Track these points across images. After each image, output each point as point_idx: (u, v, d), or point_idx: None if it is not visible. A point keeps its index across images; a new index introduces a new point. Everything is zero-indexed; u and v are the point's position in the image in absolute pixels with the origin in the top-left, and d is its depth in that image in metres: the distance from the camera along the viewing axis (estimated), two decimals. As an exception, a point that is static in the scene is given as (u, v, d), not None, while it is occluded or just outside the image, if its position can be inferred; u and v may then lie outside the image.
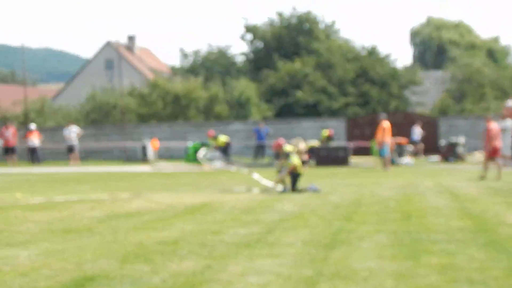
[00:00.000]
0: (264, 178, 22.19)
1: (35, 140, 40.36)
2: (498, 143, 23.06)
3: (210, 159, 35.07)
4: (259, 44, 56.13)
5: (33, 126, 42.03)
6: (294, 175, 18.87)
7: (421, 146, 39.20)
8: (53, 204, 16.17)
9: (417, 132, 39.32)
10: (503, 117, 28.62)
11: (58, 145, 42.55)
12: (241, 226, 12.08)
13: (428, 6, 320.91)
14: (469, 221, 12.31)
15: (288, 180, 19.09)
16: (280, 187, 19.25)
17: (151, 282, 7.98)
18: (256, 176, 23.46)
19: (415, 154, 37.94)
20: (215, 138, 35.92)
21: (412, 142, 38.90)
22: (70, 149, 40.23)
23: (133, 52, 76.34)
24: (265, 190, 19.22)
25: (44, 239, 10.96)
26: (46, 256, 9.50)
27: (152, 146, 39.54)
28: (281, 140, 20.26)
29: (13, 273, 8.47)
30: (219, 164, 34.08)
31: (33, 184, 24.12)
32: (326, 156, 32.87)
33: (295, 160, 19.17)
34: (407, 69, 52.83)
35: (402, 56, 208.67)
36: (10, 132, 40.26)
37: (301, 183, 19.20)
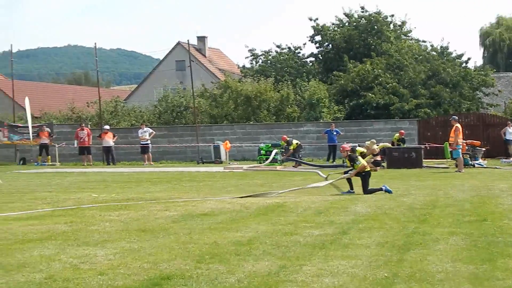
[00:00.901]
0: (332, 179, 22.10)
1: (109, 140, 40.90)
2: None
3: (282, 161, 35.14)
4: (328, 45, 55.88)
5: (107, 126, 42.65)
6: (364, 176, 18.78)
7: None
8: (128, 204, 16.42)
9: (510, 132, 38.88)
10: None
11: (132, 145, 43.05)
12: (315, 227, 12.10)
13: (497, 4, 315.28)
14: (547, 224, 12.14)
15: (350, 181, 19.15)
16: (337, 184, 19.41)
17: (226, 282, 8.06)
18: (325, 176, 23.37)
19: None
20: (288, 142, 35.83)
21: (505, 142, 38.61)
22: (144, 150, 40.72)
23: (204, 53, 76.80)
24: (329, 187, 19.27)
25: (121, 239, 11.15)
26: (123, 255, 9.67)
27: (224, 147, 39.76)
28: (346, 146, 20.39)
29: (92, 272, 8.65)
30: (291, 165, 34.18)
31: (109, 184, 24.48)
32: (398, 158, 32.56)
33: (362, 161, 19.16)
34: (478, 70, 51.97)
35: (470, 56, 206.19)
36: (85, 133, 40.98)
37: (373, 184, 19.12)
